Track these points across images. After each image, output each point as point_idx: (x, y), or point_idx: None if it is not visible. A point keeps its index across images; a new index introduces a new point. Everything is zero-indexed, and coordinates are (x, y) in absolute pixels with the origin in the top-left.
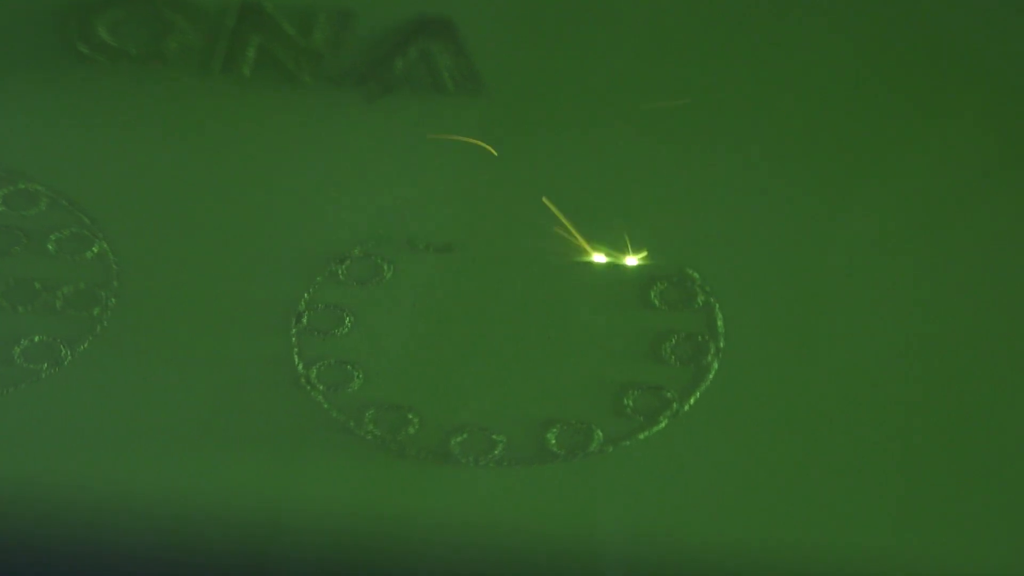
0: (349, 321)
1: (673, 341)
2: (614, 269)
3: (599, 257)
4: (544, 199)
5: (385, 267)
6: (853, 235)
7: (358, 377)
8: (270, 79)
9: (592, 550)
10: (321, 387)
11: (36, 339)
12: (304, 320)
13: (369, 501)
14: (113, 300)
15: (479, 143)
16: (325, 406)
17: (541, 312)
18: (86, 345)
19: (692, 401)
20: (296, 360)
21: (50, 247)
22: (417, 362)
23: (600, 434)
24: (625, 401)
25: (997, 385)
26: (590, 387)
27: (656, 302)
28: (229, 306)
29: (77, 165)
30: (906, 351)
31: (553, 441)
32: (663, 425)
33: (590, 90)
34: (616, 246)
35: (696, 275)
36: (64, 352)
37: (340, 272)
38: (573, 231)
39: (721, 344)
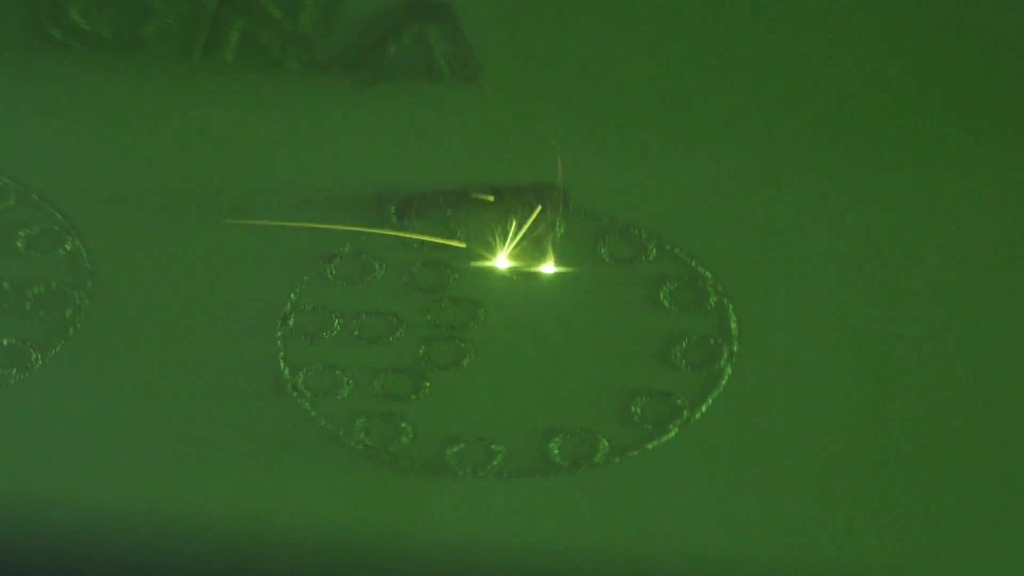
0: (338, 323)
1: (684, 344)
2: (620, 267)
3: None
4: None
5: (376, 265)
6: (873, 233)
7: (348, 383)
8: (254, 65)
9: (597, 567)
10: (308, 393)
11: (4, 342)
12: (290, 322)
13: (360, 515)
14: (86, 301)
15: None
16: (313, 414)
17: (542, 313)
18: (58, 349)
19: (704, 408)
20: (282, 365)
21: (19, 245)
22: (411, 367)
23: (606, 444)
24: (632, 408)
25: None
26: (595, 394)
27: (666, 303)
28: (210, 307)
29: (48, 157)
30: (929, 355)
31: (556, 451)
32: (673, 434)
33: (591, 77)
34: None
35: (708, 274)
36: (34, 356)
37: (329, 271)
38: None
39: (735, 347)
